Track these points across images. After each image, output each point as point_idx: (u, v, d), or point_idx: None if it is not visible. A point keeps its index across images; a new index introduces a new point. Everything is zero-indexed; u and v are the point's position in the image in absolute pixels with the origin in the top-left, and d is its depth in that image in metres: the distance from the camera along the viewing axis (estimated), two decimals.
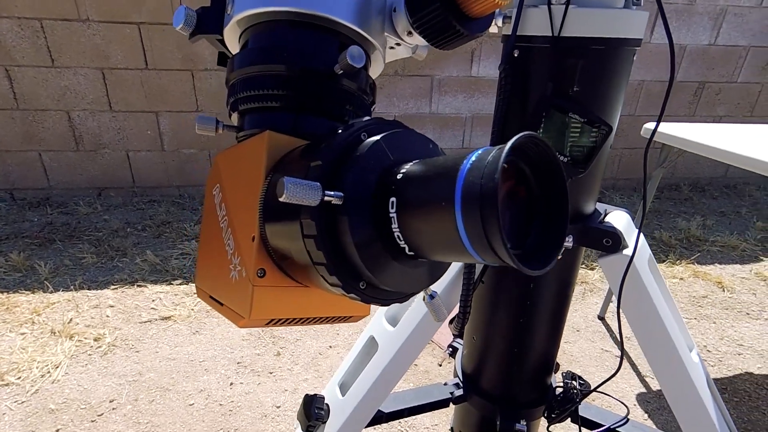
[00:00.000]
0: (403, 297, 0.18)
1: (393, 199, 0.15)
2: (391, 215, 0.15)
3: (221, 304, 0.21)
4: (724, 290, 1.81)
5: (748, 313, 1.68)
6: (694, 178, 2.93)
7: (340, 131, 0.17)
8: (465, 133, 2.60)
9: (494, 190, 0.11)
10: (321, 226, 0.15)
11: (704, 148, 1.20)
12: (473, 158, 0.12)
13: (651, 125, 1.42)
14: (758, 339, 1.54)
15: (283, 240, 0.18)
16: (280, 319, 0.19)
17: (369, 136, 0.16)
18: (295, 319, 0.20)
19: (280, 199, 0.14)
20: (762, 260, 2.05)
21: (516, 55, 0.48)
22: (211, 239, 0.23)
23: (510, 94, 0.49)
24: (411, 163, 0.15)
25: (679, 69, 2.63)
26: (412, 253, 0.15)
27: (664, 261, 2.02)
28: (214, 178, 0.24)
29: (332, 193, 0.15)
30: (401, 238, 0.15)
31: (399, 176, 0.15)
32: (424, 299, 0.18)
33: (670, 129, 1.34)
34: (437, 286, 0.55)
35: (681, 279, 1.89)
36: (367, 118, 0.18)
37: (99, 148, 2.27)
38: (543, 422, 0.66)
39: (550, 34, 0.44)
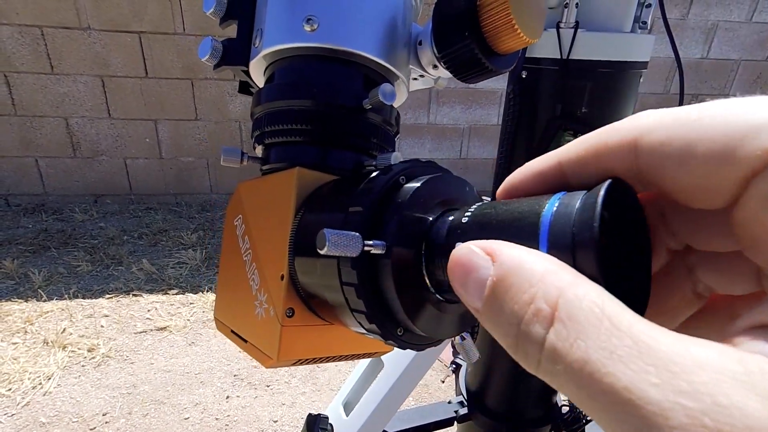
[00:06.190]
0: (437, 342, 0.17)
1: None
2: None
3: (245, 341, 0.20)
4: None
5: None
6: None
7: (377, 174, 0.17)
8: (462, 144, 2.62)
9: (592, 241, 0.10)
10: (362, 275, 0.15)
11: None
12: (556, 204, 0.12)
13: None
14: None
15: (315, 279, 0.18)
16: (307, 359, 0.19)
17: (407, 180, 0.16)
18: (321, 357, 0.19)
19: (321, 252, 0.14)
20: None
21: (524, 76, 0.48)
22: (232, 271, 0.22)
23: (518, 115, 0.49)
24: (468, 211, 0.14)
25: (672, 82, 2.68)
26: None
27: None
28: (235, 207, 0.24)
29: (372, 243, 0.14)
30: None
31: (463, 220, 0.14)
32: (454, 341, 0.18)
33: None
34: None
35: None
36: (403, 160, 0.18)
37: (96, 154, 2.25)
38: None
39: (559, 57, 0.45)
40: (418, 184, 0.16)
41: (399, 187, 0.16)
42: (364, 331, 0.17)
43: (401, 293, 0.15)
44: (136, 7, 2.01)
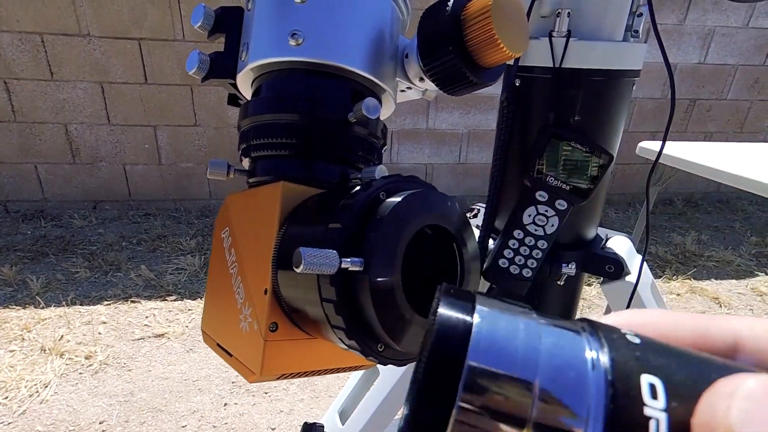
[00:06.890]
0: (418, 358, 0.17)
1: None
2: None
3: (230, 355, 0.20)
4: (721, 306, 1.82)
5: None
6: (687, 192, 2.97)
7: (358, 189, 0.17)
8: (462, 149, 2.62)
9: None
10: (340, 292, 0.15)
11: (697, 166, 1.23)
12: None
13: (646, 144, 1.44)
14: None
15: (297, 294, 0.18)
16: (291, 373, 0.19)
17: (388, 196, 0.16)
18: (306, 372, 0.19)
19: (297, 270, 0.14)
20: (757, 275, 2.06)
21: (517, 84, 0.49)
22: (219, 284, 0.22)
23: (511, 123, 0.50)
24: (637, 338, 0.11)
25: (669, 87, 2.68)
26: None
27: (660, 277, 2.02)
28: (223, 220, 0.24)
29: (349, 260, 0.14)
30: None
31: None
32: None
33: (664, 148, 1.37)
34: None
35: (678, 295, 1.89)
36: (385, 175, 0.18)
37: (96, 161, 2.26)
38: None
39: (551, 65, 0.45)
40: (398, 200, 0.15)
41: (379, 203, 0.16)
42: (345, 347, 0.17)
43: (379, 310, 0.15)
44: (136, 14, 2.03)
